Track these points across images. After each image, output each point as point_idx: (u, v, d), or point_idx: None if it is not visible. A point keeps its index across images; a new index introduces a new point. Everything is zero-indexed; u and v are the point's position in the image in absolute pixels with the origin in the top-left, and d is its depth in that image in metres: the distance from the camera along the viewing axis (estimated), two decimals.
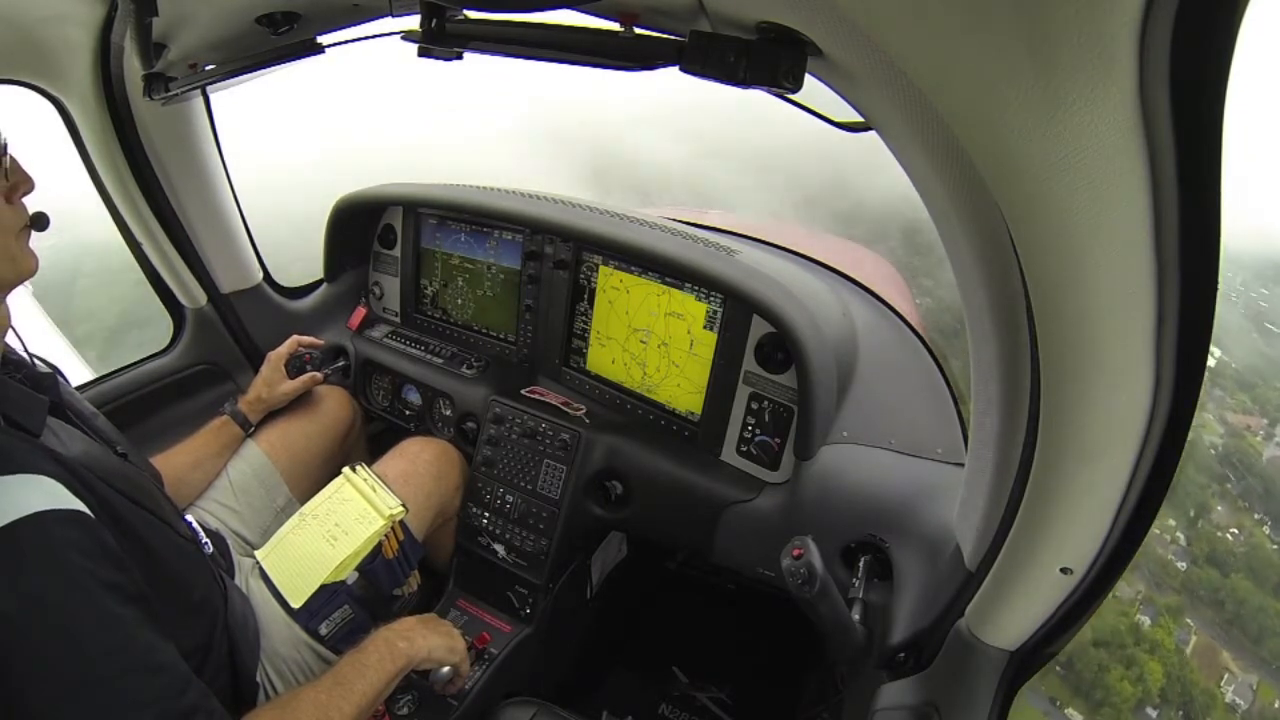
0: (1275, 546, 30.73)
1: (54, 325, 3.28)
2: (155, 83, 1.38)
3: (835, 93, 0.78)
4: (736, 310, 1.50)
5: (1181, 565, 29.45)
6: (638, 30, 0.80)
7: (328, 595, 1.37)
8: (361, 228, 2.10)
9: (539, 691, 1.49)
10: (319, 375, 1.80)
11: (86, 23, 1.41)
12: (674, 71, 0.77)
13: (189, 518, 1.40)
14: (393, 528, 1.46)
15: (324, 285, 2.20)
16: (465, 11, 0.89)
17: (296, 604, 1.35)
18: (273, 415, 1.73)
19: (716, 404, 1.56)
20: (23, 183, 0.96)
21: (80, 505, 0.87)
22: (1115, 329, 0.62)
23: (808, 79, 0.73)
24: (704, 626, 2.34)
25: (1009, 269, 0.68)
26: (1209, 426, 37.06)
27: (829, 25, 0.62)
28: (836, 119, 0.86)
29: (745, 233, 2.07)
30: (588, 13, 0.81)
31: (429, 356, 2.00)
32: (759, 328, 1.49)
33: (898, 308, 1.81)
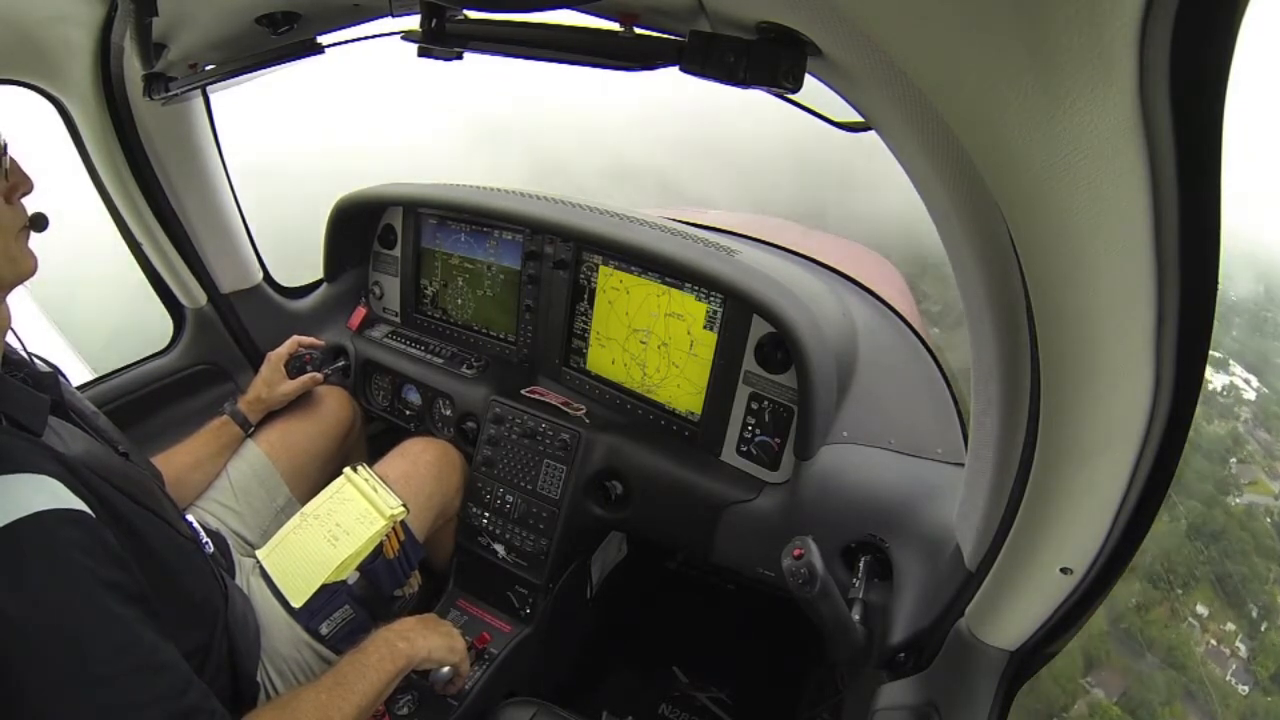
0: None
1: (54, 326, 3.28)
2: (155, 83, 1.38)
3: (835, 93, 0.78)
4: (736, 310, 1.50)
5: (1244, 689, 22.02)
6: (638, 30, 0.80)
7: (329, 595, 1.37)
8: (361, 228, 2.10)
9: (539, 691, 1.49)
10: (319, 375, 1.80)
11: (86, 23, 1.41)
12: (674, 72, 0.77)
13: (189, 517, 1.40)
14: (394, 528, 1.46)
15: (324, 285, 2.20)
16: (465, 11, 0.89)
17: (297, 604, 1.35)
18: (273, 415, 1.73)
19: (716, 404, 1.56)
20: (22, 183, 0.96)
21: (81, 505, 0.87)
22: (1115, 329, 0.62)
23: (808, 79, 0.73)
24: (704, 626, 2.34)
25: (1009, 269, 0.68)
26: (1260, 484, 28.84)
27: (829, 25, 0.62)
28: (836, 119, 0.86)
29: (745, 233, 2.08)
30: (588, 13, 0.81)
31: (429, 356, 2.00)
32: (759, 328, 1.49)
33: (898, 308, 1.81)
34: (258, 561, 1.43)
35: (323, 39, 1.29)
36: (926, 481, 1.36)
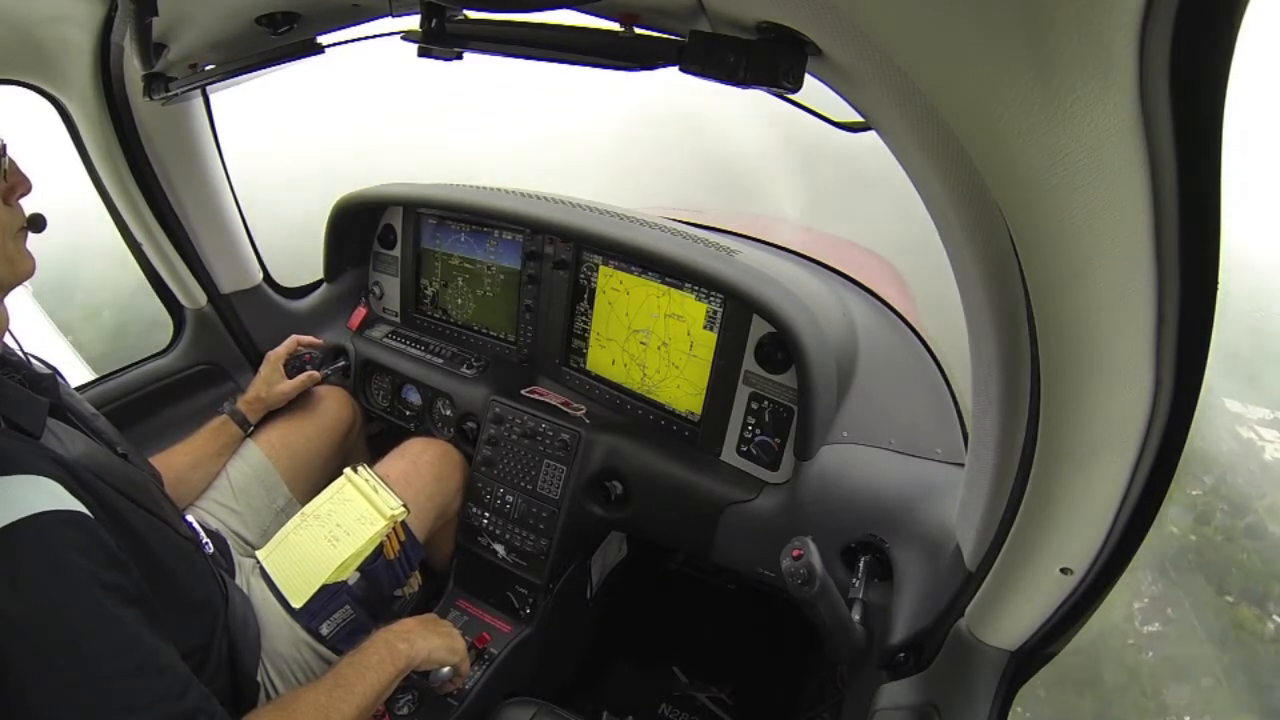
0: None
1: (54, 327, 3.28)
2: (155, 83, 1.38)
3: (835, 93, 0.78)
4: (736, 310, 1.50)
5: None
6: (638, 30, 0.80)
7: (329, 595, 1.37)
8: (361, 228, 2.10)
9: (539, 691, 1.49)
10: (318, 375, 1.80)
11: (86, 23, 1.41)
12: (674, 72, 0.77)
13: (189, 518, 1.41)
14: (394, 528, 1.46)
15: (324, 285, 2.20)
16: (465, 11, 0.89)
17: (298, 604, 1.35)
18: (272, 415, 1.73)
19: (716, 404, 1.56)
20: (20, 184, 0.97)
21: (80, 506, 0.87)
22: (1115, 329, 0.62)
23: (808, 79, 0.73)
24: (704, 626, 2.34)
25: (1009, 269, 0.68)
26: None
27: (829, 25, 0.62)
28: (836, 119, 0.86)
29: (745, 233, 2.07)
30: (588, 13, 0.81)
31: (429, 356, 2.00)
32: (759, 328, 1.49)
33: (898, 308, 1.81)
34: (258, 562, 1.43)
35: (323, 39, 1.29)
36: (926, 481, 1.36)
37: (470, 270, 1.97)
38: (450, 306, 2.05)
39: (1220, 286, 0.56)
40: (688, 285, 1.57)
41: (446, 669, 1.35)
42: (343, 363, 2.06)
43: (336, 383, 1.97)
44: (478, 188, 1.94)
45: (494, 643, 1.66)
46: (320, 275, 2.18)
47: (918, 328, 1.75)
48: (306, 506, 1.51)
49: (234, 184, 1.90)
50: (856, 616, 1.18)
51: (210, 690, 0.92)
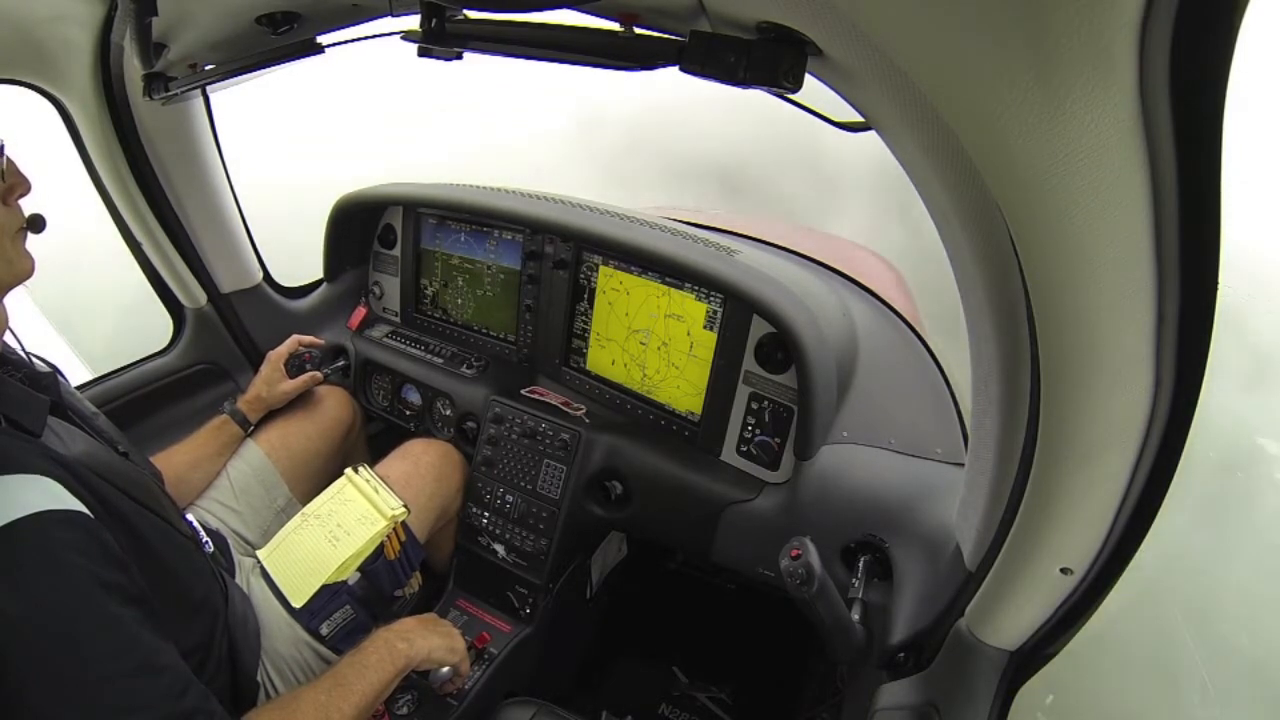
0: None
1: (54, 327, 3.28)
2: (155, 82, 1.38)
3: (835, 93, 0.78)
4: (736, 310, 1.50)
5: None
6: (638, 30, 0.80)
7: (329, 595, 1.37)
8: (361, 227, 2.10)
9: (539, 691, 1.49)
10: (319, 375, 1.80)
11: (86, 23, 1.41)
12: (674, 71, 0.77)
13: (189, 517, 1.41)
14: (395, 529, 1.46)
15: (324, 285, 2.20)
16: (465, 11, 0.89)
17: (298, 604, 1.35)
18: (273, 415, 1.73)
19: (716, 404, 1.56)
20: (19, 184, 0.96)
21: (80, 506, 0.87)
22: (1115, 329, 0.62)
23: (808, 79, 0.73)
24: (704, 626, 2.34)
25: (1009, 269, 0.69)
26: None
27: (829, 25, 0.62)
28: (836, 119, 0.86)
29: (745, 232, 2.07)
30: (588, 13, 0.81)
31: (429, 356, 2.00)
32: (759, 328, 1.49)
33: (898, 307, 1.81)
34: (258, 561, 1.43)
35: (323, 39, 1.29)
36: (926, 481, 1.36)
37: (470, 270, 1.97)
38: (450, 306, 2.05)
39: (1220, 287, 0.56)
40: (688, 285, 1.57)
41: (446, 669, 1.35)
42: (343, 362, 2.06)
43: (336, 382, 1.97)
44: (478, 187, 1.94)
45: (494, 642, 1.66)
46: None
47: (918, 327, 1.75)
48: (307, 506, 1.51)
49: (233, 183, 1.90)
50: (856, 616, 1.18)
51: (210, 690, 0.92)
